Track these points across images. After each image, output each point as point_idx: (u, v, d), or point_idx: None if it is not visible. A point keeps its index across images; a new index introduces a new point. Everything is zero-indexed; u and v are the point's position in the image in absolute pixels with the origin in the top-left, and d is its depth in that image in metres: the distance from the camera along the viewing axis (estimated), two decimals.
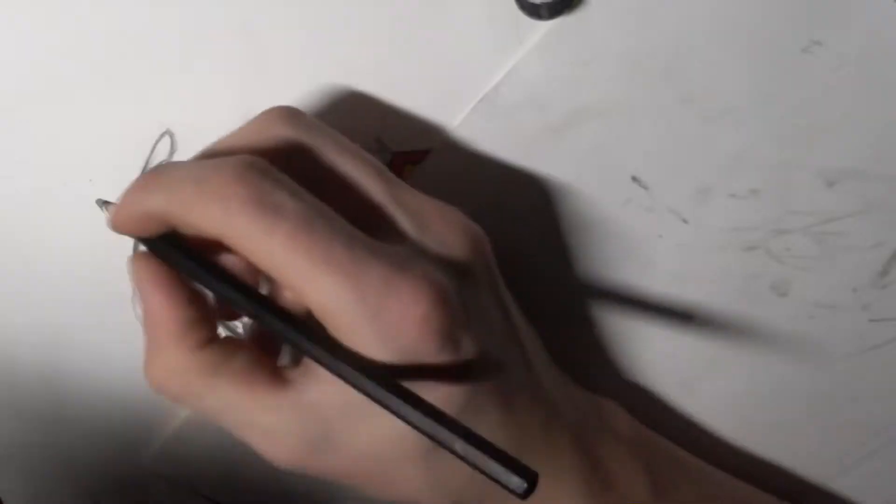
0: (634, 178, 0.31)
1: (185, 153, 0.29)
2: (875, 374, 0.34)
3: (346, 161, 0.25)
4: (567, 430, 0.28)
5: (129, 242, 0.30)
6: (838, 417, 0.35)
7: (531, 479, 0.21)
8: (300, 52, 0.28)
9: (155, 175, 0.24)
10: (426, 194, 0.26)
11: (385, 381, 0.22)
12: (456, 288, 0.24)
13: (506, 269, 0.30)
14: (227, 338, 0.26)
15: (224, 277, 0.24)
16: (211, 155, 0.25)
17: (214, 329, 0.25)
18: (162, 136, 0.29)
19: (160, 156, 0.30)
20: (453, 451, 0.21)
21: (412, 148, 0.30)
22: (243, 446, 0.27)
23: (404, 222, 0.25)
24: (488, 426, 0.25)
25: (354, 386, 0.22)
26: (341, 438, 0.24)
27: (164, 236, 0.24)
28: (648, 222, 0.31)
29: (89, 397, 0.33)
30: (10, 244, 0.31)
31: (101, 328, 0.32)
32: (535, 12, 0.28)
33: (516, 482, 0.20)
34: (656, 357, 0.34)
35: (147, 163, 0.30)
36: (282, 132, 0.25)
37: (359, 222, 0.24)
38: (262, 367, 0.25)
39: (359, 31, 0.28)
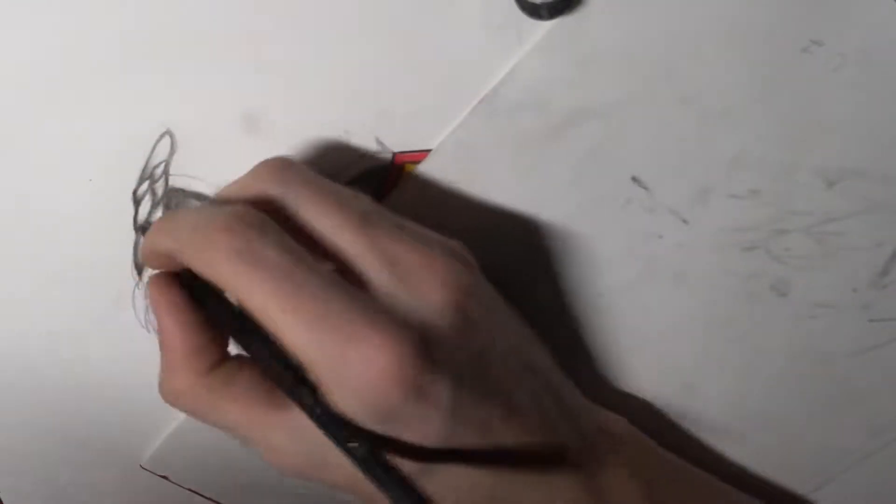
0: (634, 179, 0.31)
1: (185, 153, 0.29)
2: (875, 374, 0.34)
3: (323, 215, 0.26)
4: (568, 459, 0.28)
5: (127, 243, 0.31)
6: (838, 417, 0.35)
7: None
8: (299, 51, 0.28)
9: (167, 219, 0.26)
10: (416, 234, 0.26)
11: (341, 430, 0.24)
12: (426, 339, 0.24)
13: (503, 270, 0.30)
14: (234, 357, 0.27)
15: (225, 312, 0.25)
16: (215, 202, 0.27)
17: (223, 351, 0.27)
18: (162, 136, 0.29)
19: (160, 156, 0.30)
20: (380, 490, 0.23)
21: (412, 148, 0.30)
22: (243, 446, 0.27)
23: (380, 273, 0.25)
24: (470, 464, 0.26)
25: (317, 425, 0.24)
26: (337, 460, 0.25)
27: (184, 271, 0.26)
28: (648, 222, 0.31)
29: (89, 397, 0.33)
30: (9, 244, 0.31)
31: (101, 328, 0.32)
32: (535, 12, 0.28)
33: None
34: (656, 359, 0.34)
35: (147, 163, 0.30)
36: (266, 187, 0.26)
37: (341, 272, 0.25)
38: (262, 390, 0.26)
39: (358, 31, 0.28)
